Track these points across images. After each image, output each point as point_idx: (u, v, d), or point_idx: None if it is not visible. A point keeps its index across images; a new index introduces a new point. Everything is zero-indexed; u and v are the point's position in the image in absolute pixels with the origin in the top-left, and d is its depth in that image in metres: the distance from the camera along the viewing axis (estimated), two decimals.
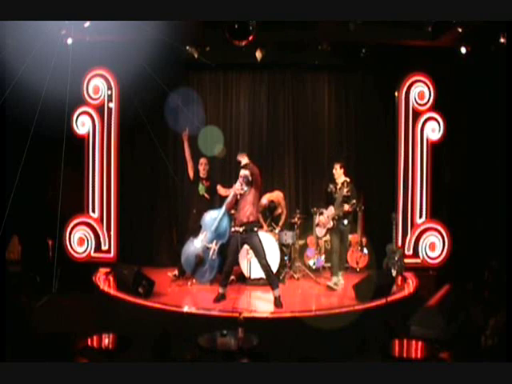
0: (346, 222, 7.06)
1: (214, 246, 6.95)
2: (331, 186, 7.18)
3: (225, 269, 6.45)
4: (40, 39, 6.32)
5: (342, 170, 7.16)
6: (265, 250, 6.33)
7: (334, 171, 7.18)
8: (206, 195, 7.34)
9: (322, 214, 7.25)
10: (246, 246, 6.55)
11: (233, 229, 6.45)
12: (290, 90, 8.70)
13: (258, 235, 6.36)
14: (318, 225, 7.37)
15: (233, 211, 7.67)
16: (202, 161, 7.40)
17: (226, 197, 6.97)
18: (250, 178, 6.26)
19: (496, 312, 4.76)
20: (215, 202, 7.66)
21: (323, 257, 8.01)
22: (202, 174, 7.35)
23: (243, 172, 6.28)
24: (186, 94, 8.30)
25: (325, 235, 7.44)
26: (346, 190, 6.98)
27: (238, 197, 6.35)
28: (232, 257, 6.42)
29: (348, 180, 7.10)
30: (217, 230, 6.95)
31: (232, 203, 6.56)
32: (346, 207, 6.91)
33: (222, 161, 8.45)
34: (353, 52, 7.88)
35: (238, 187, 6.31)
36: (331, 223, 7.07)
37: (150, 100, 7.85)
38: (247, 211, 6.27)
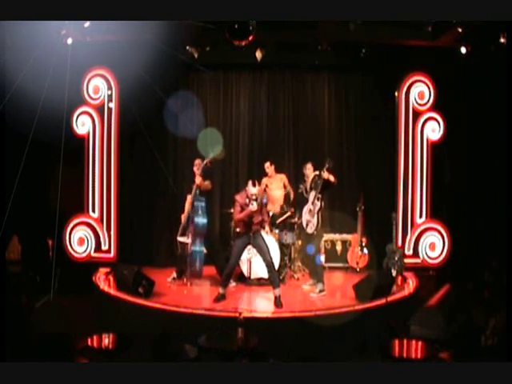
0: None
1: (186, 240, 7.01)
2: (301, 186, 7.01)
3: (226, 270, 6.45)
4: (40, 39, 6.31)
5: (312, 169, 7.01)
6: (269, 248, 6.41)
7: (306, 171, 7.03)
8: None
9: (300, 217, 7.02)
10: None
11: (238, 229, 6.54)
12: (290, 89, 8.70)
13: (261, 234, 6.49)
14: (307, 225, 6.96)
15: (231, 211, 7.69)
16: (197, 162, 7.26)
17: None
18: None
19: (496, 312, 4.76)
20: (214, 196, 7.73)
21: (323, 256, 7.99)
22: (198, 175, 7.20)
23: (254, 191, 6.27)
24: (185, 98, 8.30)
25: (317, 227, 6.88)
26: (319, 180, 6.76)
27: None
28: (235, 259, 6.44)
29: (317, 173, 6.90)
30: (187, 223, 7.03)
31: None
32: (332, 177, 6.67)
33: (221, 162, 8.47)
34: (353, 52, 7.88)
35: (255, 208, 6.27)
36: (318, 204, 6.75)
37: (149, 104, 7.80)
38: (258, 220, 6.38)
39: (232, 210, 7.67)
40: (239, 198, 6.42)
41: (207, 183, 7.15)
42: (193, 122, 8.30)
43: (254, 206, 6.23)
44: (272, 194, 7.70)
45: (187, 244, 7.03)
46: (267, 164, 7.75)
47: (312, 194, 6.84)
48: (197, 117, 8.40)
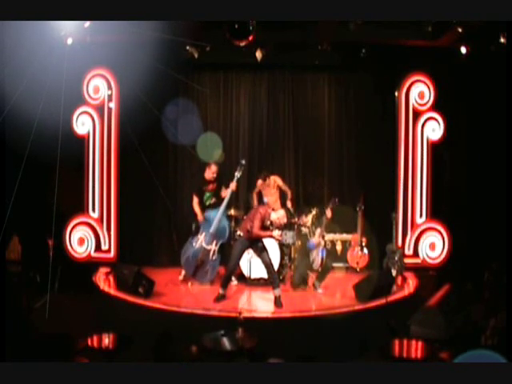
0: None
1: (213, 247, 6.96)
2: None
3: (227, 272, 6.46)
4: (40, 39, 6.30)
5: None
6: (267, 249, 6.41)
7: (304, 219, 7.24)
8: (213, 200, 7.37)
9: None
10: None
11: (238, 232, 6.53)
12: (289, 90, 8.69)
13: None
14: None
15: (232, 212, 7.68)
16: (214, 169, 7.42)
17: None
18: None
19: (496, 312, 4.77)
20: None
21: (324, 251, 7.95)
22: (211, 180, 7.39)
23: (274, 217, 6.39)
24: (183, 104, 8.31)
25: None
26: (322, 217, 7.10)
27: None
28: (235, 260, 6.46)
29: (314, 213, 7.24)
30: (216, 231, 6.97)
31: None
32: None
33: (221, 163, 8.47)
34: (353, 52, 7.87)
35: (276, 236, 6.48)
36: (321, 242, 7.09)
37: (148, 108, 7.77)
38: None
39: (232, 213, 7.68)
40: (263, 212, 6.38)
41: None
42: (192, 127, 8.31)
43: (275, 234, 6.38)
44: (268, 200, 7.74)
45: (209, 250, 7.03)
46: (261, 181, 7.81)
47: (317, 232, 7.03)
48: (196, 122, 8.40)
